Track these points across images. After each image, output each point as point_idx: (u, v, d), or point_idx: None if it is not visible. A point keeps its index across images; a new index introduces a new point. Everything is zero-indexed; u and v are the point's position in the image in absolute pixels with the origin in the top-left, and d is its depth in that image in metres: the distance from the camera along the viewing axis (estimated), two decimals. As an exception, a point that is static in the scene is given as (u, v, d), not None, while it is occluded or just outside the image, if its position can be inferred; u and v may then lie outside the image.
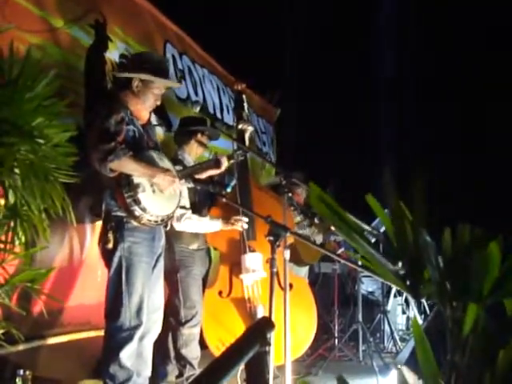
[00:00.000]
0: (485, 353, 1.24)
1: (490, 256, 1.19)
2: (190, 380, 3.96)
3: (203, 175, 3.85)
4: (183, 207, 3.90)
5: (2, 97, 2.35)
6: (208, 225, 4.07)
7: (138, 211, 3.16)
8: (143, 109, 3.44)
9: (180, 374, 4.04)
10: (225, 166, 3.79)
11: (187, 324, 3.98)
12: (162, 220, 3.32)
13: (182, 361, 4.01)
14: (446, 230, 1.27)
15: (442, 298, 1.28)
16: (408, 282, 1.32)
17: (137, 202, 3.14)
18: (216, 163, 3.75)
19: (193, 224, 3.99)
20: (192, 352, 4.01)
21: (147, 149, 3.37)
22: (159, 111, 4.77)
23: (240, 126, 4.23)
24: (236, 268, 4.11)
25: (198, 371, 3.98)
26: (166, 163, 3.42)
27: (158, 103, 3.53)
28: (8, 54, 2.42)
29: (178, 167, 3.66)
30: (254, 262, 4.06)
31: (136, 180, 3.17)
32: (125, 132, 3.24)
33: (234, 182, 4.08)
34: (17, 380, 2.94)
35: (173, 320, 3.98)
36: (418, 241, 1.27)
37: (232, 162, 3.96)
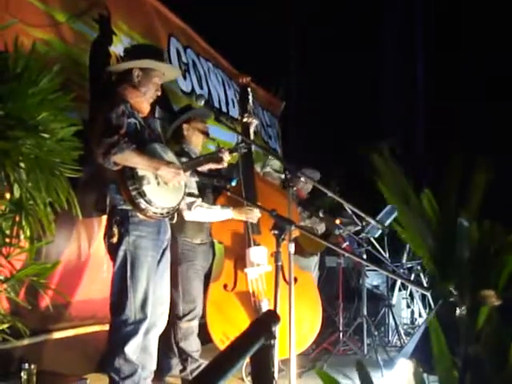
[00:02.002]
0: (498, 345, 1.24)
1: (506, 251, 1.20)
2: (194, 372, 3.96)
3: (205, 167, 3.83)
4: (192, 194, 3.88)
5: (6, 91, 2.35)
6: (219, 213, 4.02)
7: (143, 204, 3.15)
8: (143, 101, 3.42)
9: (184, 368, 4.04)
10: (226, 162, 3.77)
11: (185, 318, 3.96)
12: (168, 212, 3.31)
13: (183, 354, 3.99)
14: (473, 223, 1.27)
15: (461, 289, 1.28)
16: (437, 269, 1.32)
17: (142, 194, 3.14)
18: (218, 159, 3.73)
19: (204, 212, 3.95)
20: (192, 345, 3.99)
21: (150, 141, 3.37)
22: (164, 105, 4.78)
23: (245, 120, 4.21)
24: (241, 262, 4.09)
25: (200, 362, 3.99)
26: (169, 155, 3.41)
27: (159, 93, 3.52)
28: (13, 48, 2.42)
29: (184, 159, 3.65)
30: (259, 255, 4.04)
31: (140, 172, 3.17)
32: (126, 125, 3.23)
33: (238, 177, 4.06)
34: (22, 373, 2.96)
35: (171, 314, 3.96)
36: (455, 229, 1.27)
37: (235, 154, 3.94)
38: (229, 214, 4.04)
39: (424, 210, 1.32)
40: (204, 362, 3.98)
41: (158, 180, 3.25)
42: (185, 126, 4.17)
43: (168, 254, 3.55)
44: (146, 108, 3.46)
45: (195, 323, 4.04)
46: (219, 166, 3.81)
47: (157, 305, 3.41)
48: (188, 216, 3.90)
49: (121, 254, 3.25)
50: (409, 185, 1.34)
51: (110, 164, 3.11)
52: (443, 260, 1.29)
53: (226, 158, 3.72)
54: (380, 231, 5.78)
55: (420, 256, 1.42)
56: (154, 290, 3.34)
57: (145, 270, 3.27)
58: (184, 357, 4.01)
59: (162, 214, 3.27)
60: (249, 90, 4.36)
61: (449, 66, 8.91)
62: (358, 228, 5.68)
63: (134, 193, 3.14)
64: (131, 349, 3.22)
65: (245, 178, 4.17)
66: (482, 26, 8.38)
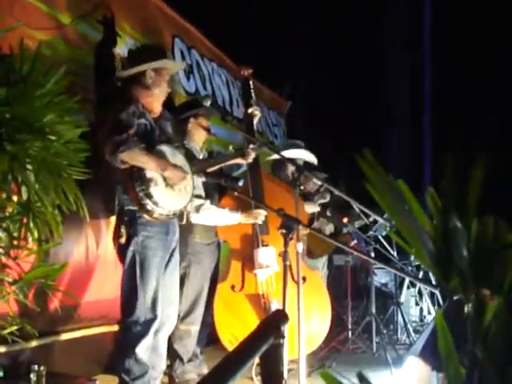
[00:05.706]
0: (505, 344, 1.23)
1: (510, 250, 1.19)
2: (180, 375, 3.93)
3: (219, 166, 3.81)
4: (199, 196, 3.86)
5: (13, 94, 2.36)
6: (227, 217, 3.98)
7: (149, 205, 3.15)
8: (155, 101, 3.44)
9: (171, 367, 3.94)
10: (252, 157, 3.75)
11: (184, 320, 3.90)
12: (174, 214, 3.31)
13: (174, 355, 3.92)
14: (474, 220, 1.26)
15: (465, 288, 1.27)
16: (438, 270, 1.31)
17: (149, 196, 3.14)
18: (243, 154, 3.70)
19: (212, 215, 3.91)
20: (186, 347, 3.94)
21: (160, 142, 3.36)
22: (168, 105, 4.77)
23: (250, 111, 4.07)
24: (248, 262, 4.05)
25: (186, 367, 3.94)
26: (178, 157, 3.40)
27: (169, 90, 3.54)
28: (18, 51, 2.42)
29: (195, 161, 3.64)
30: (268, 256, 3.99)
31: (149, 174, 3.17)
32: (137, 125, 3.23)
33: (245, 178, 4.03)
34: (31, 375, 2.96)
35: None
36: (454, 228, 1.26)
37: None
38: (237, 218, 4.00)
39: (429, 210, 1.31)
40: (189, 368, 3.97)
41: (166, 182, 3.25)
42: (191, 120, 4.09)
43: (177, 255, 3.54)
44: (157, 108, 3.47)
45: (194, 328, 3.97)
46: (243, 162, 3.80)
47: (166, 305, 3.40)
48: (195, 219, 3.87)
49: (129, 254, 3.25)
50: (405, 186, 1.33)
51: (118, 162, 3.11)
52: (443, 260, 1.28)
53: (253, 154, 3.72)
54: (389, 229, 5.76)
55: (419, 260, 1.42)
56: (163, 290, 3.34)
57: (154, 270, 3.27)
58: (173, 357, 3.93)
59: (168, 215, 3.27)
60: (251, 82, 4.22)
61: (451, 66, 8.90)
62: (365, 222, 5.67)
63: (141, 194, 3.14)
64: (142, 349, 3.22)
65: (252, 177, 4.13)
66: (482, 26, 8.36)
